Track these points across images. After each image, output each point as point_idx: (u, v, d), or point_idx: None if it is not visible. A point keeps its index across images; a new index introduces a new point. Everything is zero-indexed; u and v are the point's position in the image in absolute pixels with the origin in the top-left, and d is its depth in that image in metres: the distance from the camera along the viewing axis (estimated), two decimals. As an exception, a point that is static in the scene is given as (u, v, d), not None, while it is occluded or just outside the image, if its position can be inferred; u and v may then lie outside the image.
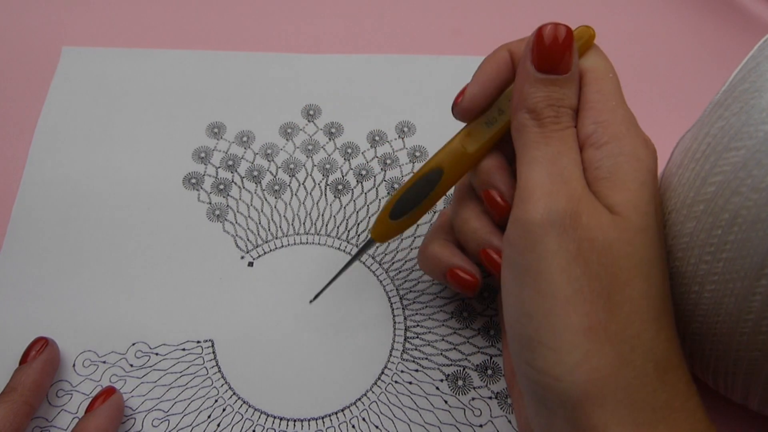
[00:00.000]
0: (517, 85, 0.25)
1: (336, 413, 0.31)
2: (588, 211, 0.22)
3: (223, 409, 0.31)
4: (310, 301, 0.33)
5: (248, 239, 0.35)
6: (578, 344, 0.21)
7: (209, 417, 0.31)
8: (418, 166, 0.38)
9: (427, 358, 0.32)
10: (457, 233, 0.29)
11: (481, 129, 0.27)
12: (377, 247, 0.35)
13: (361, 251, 0.31)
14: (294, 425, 0.30)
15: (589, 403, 0.21)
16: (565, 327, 0.21)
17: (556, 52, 0.24)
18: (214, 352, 0.32)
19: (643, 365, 0.21)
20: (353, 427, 0.30)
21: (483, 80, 0.27)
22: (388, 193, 0.37)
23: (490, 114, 0.27)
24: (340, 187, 0.37)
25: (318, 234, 0.36)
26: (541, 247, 0.22)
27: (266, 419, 0.31)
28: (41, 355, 0.30)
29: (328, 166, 0.38)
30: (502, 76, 0.27)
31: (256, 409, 0.31)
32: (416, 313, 0.33)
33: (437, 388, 0.31)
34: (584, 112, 0.25)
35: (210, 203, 0.36)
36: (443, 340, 0.33)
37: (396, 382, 0.32)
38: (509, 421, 0.31)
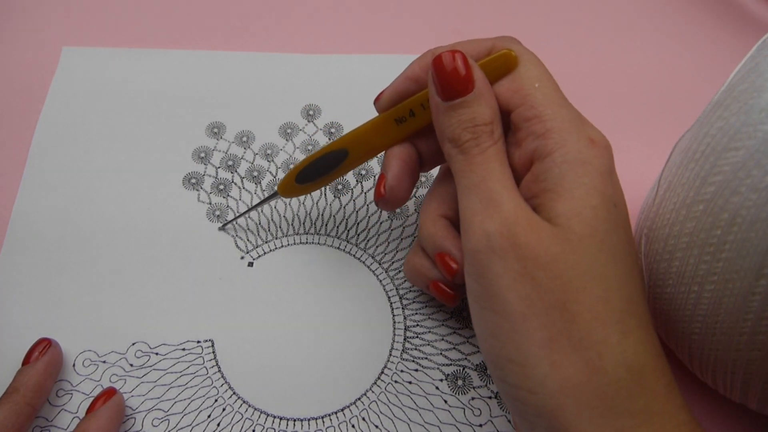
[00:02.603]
0: (433, 119, 0.26)
1: (336, 413, 0.31)
2: (524, 230, 0.22)
3: (223, 409, 0.31)
4: (219, 228, 0.35)
5: (248, 239, 0.35)
6: (543, 356, 0.21)
7: (209, 417, 0.31)
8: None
9: (426, 358, 0.32)
10: (419, 239, 0.30)
11: (390, 124, 0.29)
12: (377, 247, 0.35)
13: (266, 201, 0.33)
14: (294, 425, 0.30)
15: (565, 413, 0.21)
16: (528, 342, 0.21)
17: (456, 79, 0.25)
18: (214, 352, 0.32)
19: (615, 370, 0.21)
20: (353, 426, 0.30)
21: (398, 84, 0.28)
22: (388, 193, 0.37)
23: (401, 112, 0.28)
24: (339, 186, 0.37)
25: (318, 234, 0.36)
26: (488, 272, 0.22)
27: (266, 419, 0.31)
28: (44, 357, 0.30)
29: (328, 166, 0.38)
30: (420, 81, 0.28)
31: (256, 409, 0.31)
32: (416, 313, 0.33)
33: (437, 388, 0.31)
34: (524, 131, 0.24)
35: (210, 203, 0.36)
36: (443, 339, 0.33)
37: (396, 381, 0.32)
38: (509, 421, 0.31)
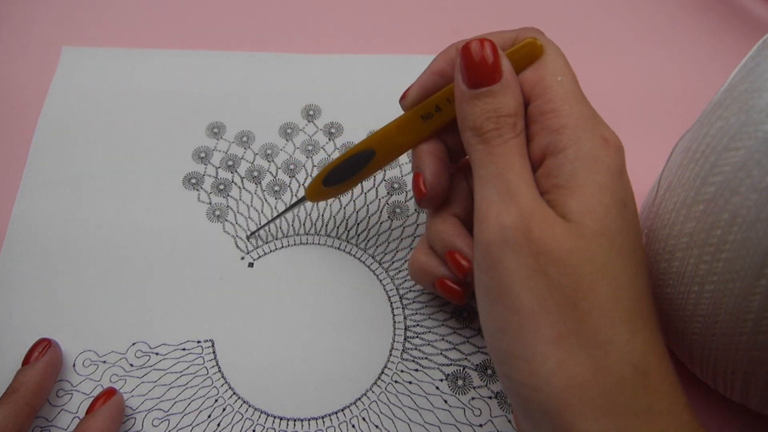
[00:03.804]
0: (456, 107, 0.26)
1: (336, 413, 0.31)
2: (539, 225, 0.22)
3: (223, 409, 0.31)
4: (247, 237, 0.35)
5: (248, 240, 0.35)
6: (550, 354, 0.21)
7: (209, 417, 0.31)
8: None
9: (426, 358, 0.32)
10: (428, 237, 0.30)
11: (416, 121, 0.29)
12: (377, 247, 0.35)
13: (293, 206, 0.33)
14: (294, 425, 0.30)
15: (569, 411, 0.21)
16: (536, 338, 0.21)
17: (484, 68, 0.24)
18: (214, 352, 0.32)
19: (620, 370, 0.21)
20: (353, 426, 0.30)
21: (424, 80, 0.28)
22: (388, 192, 0.37)
23: (427, 108, 0.28)
24: (340, 187, 0.37)
25: (318, 234, 0.36)
26: (500, 265, 0.22)
27: (266, 419, 0.31)
28: (44, 357, 0.30)
29: (328, 166, 0.38)
30: (446, 75, 0.28)
31: (256, 409, 0.31)
32: (416, 313, 0.33)
33: (437, 388, 0.31)
34: (539, 124, 0.24)
35: (210, 203, 0.36)
36: (443, 339, 0.33)
37: (396, 381, 0.32)
38: (509, 421, 0.31)
